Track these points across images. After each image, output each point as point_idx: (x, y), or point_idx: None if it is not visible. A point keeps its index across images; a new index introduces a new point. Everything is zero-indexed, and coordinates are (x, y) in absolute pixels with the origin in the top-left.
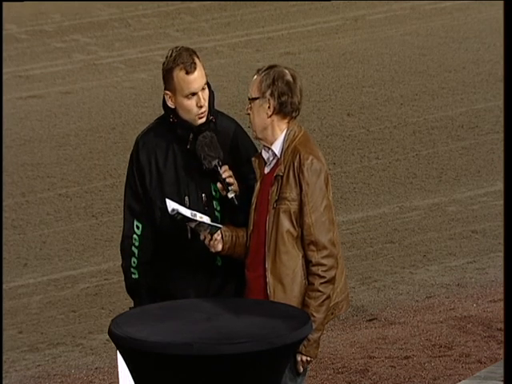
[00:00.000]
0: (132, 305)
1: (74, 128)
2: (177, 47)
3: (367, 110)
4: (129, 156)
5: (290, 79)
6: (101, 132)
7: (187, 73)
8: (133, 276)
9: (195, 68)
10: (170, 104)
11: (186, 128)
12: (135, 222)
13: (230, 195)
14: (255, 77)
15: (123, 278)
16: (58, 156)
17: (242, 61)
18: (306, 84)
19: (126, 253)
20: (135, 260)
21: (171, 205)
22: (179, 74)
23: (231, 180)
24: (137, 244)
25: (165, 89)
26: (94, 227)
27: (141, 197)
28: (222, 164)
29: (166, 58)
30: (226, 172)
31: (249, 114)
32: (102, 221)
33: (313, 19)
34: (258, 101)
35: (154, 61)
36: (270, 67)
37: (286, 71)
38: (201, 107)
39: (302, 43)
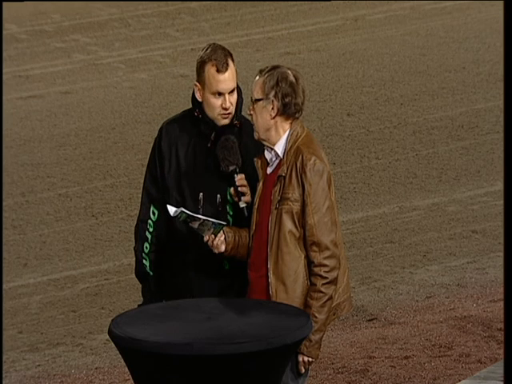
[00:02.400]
0: (136, 302)
1: (74, 128)
2: (214, 43)
3: (367, 109)
4: (128, 156)
5: (294, 80)
6: (101, 132)
7: (218, 71)
8: (144, 262)
9: (226, 69)
10: (198, 97)
11: (210, 126)
12: (152, 208)
13: (242, 205)
14: (257, 78)
15: (130, 269)
16: (58, 156)
17: (241, 61)
18: (305, 84)
19: (139, 236)
20: (148, 245)
21: (172, 209)
22: (210, 70)
23: (244, 189)
24: (151, 230)
25: (196, 80)
26: (93, 227)
27: (159, 183)
28: (240, 172)
29: (202, 50)
30: (241, 180)
31: (251, 115)
32: (101, 221)
33: (313, 19)
34: (261, 102)
35: (154, 61)
36: (273, 68)
37: (289, 72)
38: (225, 109)
39: (301, 43)
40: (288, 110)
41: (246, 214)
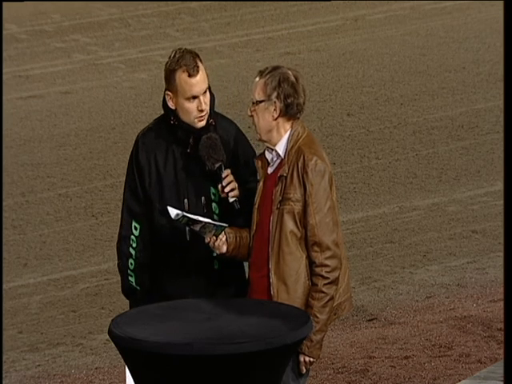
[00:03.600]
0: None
1: (74, 128)
2: (180, 49)
3: (367, 109)
4: (128, 156)
5: (294, 80)
6: (101, 132)
7: (190, 75)
8: (129, 278)
9: (198, 71)
10: (171, 105)
11: (187, 131)
12: (133, 223)
13: (231, 199)
14: (257, 79)
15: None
16: (58, 156)
17: (241, 61)
18: (305, 84)
19: (123, 254)
20: (132, 261)
21: (174, 211)
22: (181, 76)
23: (232, 185)
24: (134, 245)
25: (166, 89)
26: (93, 227)
27: (140, 197)
28: (225, 168)
29: (169, 58)
30: (228, 177)
31: (252, 116)
32: (101, 221)
33: (313, 19)
34: (263, 104)
35: (154, 61)
36: (274, 69)
37: (290, 72)
38: (201, 111)
39: (301, 43)
40: (290, 111)
41: (237, 207)
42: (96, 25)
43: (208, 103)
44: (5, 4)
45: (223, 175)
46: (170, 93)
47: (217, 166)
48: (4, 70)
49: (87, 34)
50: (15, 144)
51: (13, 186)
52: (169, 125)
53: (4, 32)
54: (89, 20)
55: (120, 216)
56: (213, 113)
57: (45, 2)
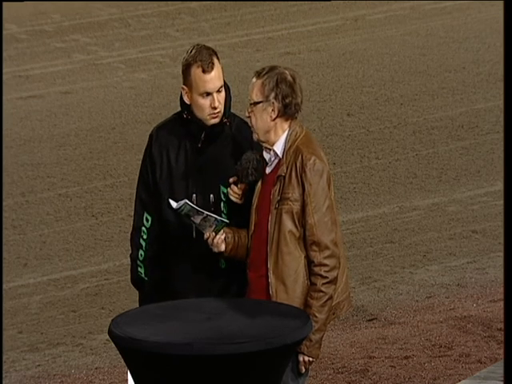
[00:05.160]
0: (134, 299)
1: (74, 128)
2: (198, 44)
3: (367, 109)
4: (128, 156)
5: (292, 80)
6: (101, 132)
7: (204, 71)
8: (139, 269)
9: (212, 68)
10: (186, 99)
11: (199, 126)
12: (145, 215)
13: (233, 198)
14: (254, 80)
15: (129, 269)
16: (58, 156)
17: (241, 61)
18: (305, 84)
19: (134, 244)
20: (142, 253)
21: (174, 204)
22: (196, 71)
23: (236, 197)
24: (145, 237)
25: (182, 83)
26: (94, 227)
27: (152, 189)
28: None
29: (187, 53)
30: (240, 188)
31: (249, 117)
32: (101, 221)
33: (313, 19)
34: (260, 105)
35: (154, 61)
36: (271, 69)
37: (287, 72)
38: (214, 108)
39: (301, 43)
40: (288, 111)
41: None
42: (96, 25)
43: (222, 102)
44: (5, 4)
45: (238, 185)
46: (185, 87)
47: (245, 174)
48: (4, 70)
49: (87, 34)
50: (15, 144)
51: (13, 186)
52: (183, 119)
53: (4, 32)
54: (89, 20)
55: (133, 208)
56: (228, 113)
57: (45, 2)
